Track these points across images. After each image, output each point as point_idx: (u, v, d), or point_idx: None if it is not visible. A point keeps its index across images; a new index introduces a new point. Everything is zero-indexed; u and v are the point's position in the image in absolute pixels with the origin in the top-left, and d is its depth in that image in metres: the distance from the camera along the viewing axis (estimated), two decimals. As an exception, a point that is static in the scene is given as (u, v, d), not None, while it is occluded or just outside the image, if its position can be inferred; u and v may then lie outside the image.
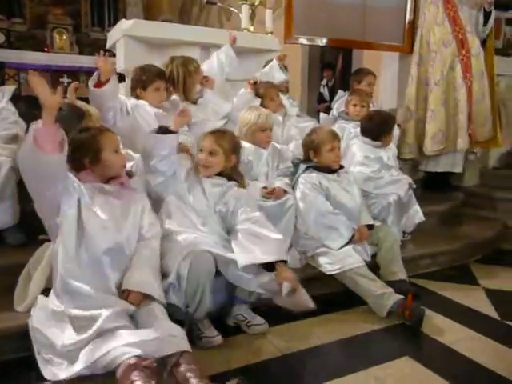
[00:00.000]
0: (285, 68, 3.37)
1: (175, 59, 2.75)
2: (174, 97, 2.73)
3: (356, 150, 2.87)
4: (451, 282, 2.65)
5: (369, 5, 4.04)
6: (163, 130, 2.01)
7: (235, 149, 2.14)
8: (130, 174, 1.97)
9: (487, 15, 3.57)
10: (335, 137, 2.51)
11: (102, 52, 2.28)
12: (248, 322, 2.00)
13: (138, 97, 2.56)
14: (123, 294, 1.69)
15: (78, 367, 1.48)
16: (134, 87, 2.58)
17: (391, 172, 2.87)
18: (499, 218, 3.60)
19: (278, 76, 3.23)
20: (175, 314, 1.77)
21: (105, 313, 1.55)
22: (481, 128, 3.65)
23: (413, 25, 4.09)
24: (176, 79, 2.69)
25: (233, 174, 2.13)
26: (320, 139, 2.47)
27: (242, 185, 2.12)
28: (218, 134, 2.13)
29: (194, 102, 2.76)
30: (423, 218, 2.87)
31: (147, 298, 1.71)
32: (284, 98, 3.40)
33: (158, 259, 1.86)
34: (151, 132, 2.05)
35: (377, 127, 2.86)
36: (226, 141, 2.10)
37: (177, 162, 2.07)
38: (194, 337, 1.86)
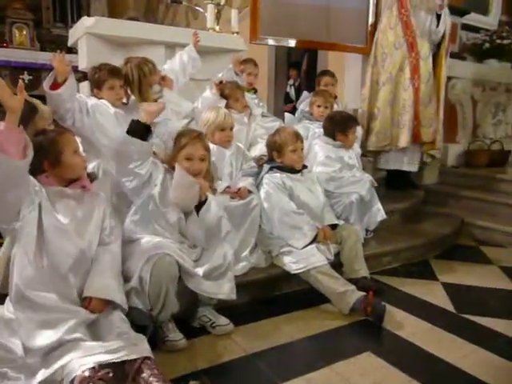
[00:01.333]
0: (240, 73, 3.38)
1: (130, 61, 2.69)
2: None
3: (318, 150, 2.92)
4: (412, 277, 2.73)
5: (333, 7, 4.10)
6: (135, 126, 1.90)
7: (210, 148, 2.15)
8: (91, 177, 1.93)
9: (438, 17, 3.70)
10: (298, 138, 2.54)
11: (58, 51, 2.22)
12: (213, 323, 2.01)
13: (97, 96, 2.51)
14: (84, 301, 1.66)
15: (36, 381, 1.43)
16: (92, 88, 2.54)
17: (353, 172, 2.94)
18: (457, 215, 3.74)
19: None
20: (138, 318, 1.76)
21: (67, 323, 1.52)
22: (426, 129, 3.78)
23: (375, 27, 4.19)
24: (131, 81, 2.63)
25: (208, 175, 2.11)
26: (283, 140, 2.51)
27: (212, 188, 2.12)
28: (201, 135, 2.08)
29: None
30: (385, 216, 2.95)
31: (109, 304, 1.69)
32: (251, 98, 3.43)
33: (120, 263, 1.84)
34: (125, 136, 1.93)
35: (335, 126, 2.94)
36: (206, 141, 2.10)
37: (153, 165, 2.00)
38: (158, 340, 1.85)
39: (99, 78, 2.49)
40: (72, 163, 1.77)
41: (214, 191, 2.12)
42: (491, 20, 5.11)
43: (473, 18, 4.84)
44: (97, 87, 2.52)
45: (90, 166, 2.29)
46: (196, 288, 1.95)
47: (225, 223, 2.07)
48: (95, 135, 2.37)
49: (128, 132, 1.87)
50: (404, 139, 3.74)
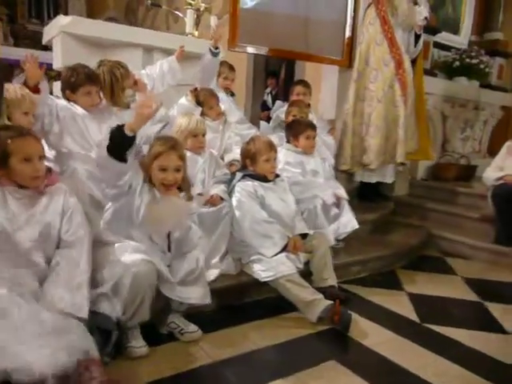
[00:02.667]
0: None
1: (103, 64, 2.65)
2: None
3: (280, 156, 2.96)
4: (379, 287, 2.79)
5: (311, 19, 4.18)
6: (118, 136, 1.76)
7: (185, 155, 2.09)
8: (50, 171, 1.85)
9: (417, 38, 3.81)
10: (272, 147, 2.57)
11: (29, 54, 2.17)
12: (181, 329, 2.00)
13: (68, 98, 2.42)
14: None
15: None
16: (64, 89, 2.43)
17: (317, 178, 3.00)
18: (425, 226, 3.85)
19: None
20: (104, 323, 1.74)
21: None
22: (410, 141, 3.90)
23: (351, 41, 4.29)
24: (103, 85, 2.57)
25: (183, 183, 2.08)
26: (257, 149, 2.53)
27: (189, 196, 2.10)
28: (176, 145, 2.01)
29: (128, 107, 2.70)
30: (357, 226, 2.99)
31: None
32: (230, 100, 3.45)
33: (81, 270, 1.76)
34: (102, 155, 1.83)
35: (288, 132, 3.06)
36: (182, 150, 2.04)
37: (133, 176, 1.92)
38: (121, 346, 1.83)
39: (75, 82, 2.38)
40: (18, 170, 1.68)
41: (190, 198, 2.11)
42: (461, 39, 5.30)
43: (444, 37, 5.00)
44: (71, 90, 2.41)
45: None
46: (171, 294, 1.95)
47: (195, 231, 2.08)
48: (65, 140, 2.31)
49: (109, 140, 1.76)
50: (401, 154, 3.82)
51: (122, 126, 1.77)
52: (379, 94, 3.83)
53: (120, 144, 1.76)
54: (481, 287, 2.88)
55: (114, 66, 2.64)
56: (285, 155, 2.99)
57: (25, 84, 2.14)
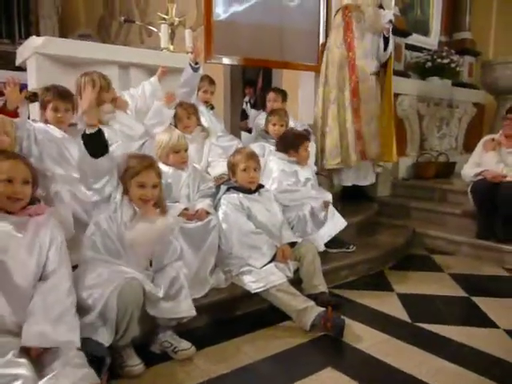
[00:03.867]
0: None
1: (87, 74, 2.66)
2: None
3: (273, 165, 2.99)
4: (368, 289, 2.82)
5: (285, 27, 4.25)
6: (88, 139, 1.92)
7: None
8: (38, 200, 1.82)
9: (386, 41, 3.90)
10: (250, 157, 2.58)
11: (10, 77, 2.15)
12: (175, 347, 1.98)
13: (46, 119, 2.42)
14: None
15: None
16: (40, 109, 2.45)
17: (308, 187, 3.02)
18: (409, 225, 3.91)
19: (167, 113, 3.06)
20: (95, 350, 1.71)
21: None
22: (369, 145, 3.97)
23: (325, 46, 4.35)
24: (81, 94, 2.56)
25: (159, 199, 2.11)
26: (235, 160, 2.57)
27: (163, 210, 2.11)
28: (154, 163, 2.09)
29: (106, 123, 2.67)
30: (345, 223, 3.05)
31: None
32: (210, 114, 3.45)
33: (63, 297, 1.71)
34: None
35: (287, 144, 3.04)
36: (159, 168, 2.11)
37: (114, 187, 2.02)
38: (116, 367, 1.81)
39: (44, 99, 2.42)
40: None
41: (164, 212, 2.12)
42: (432, 40, 5.44)
43: (415, 39, 5.12)
44: (43, 108, 2.44)
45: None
46: (157, 313, 1.94)
47: (175, 247, 2.09)
48: (45, 163, 2.28)
49: (85, 147, 1.88)
50: (353, 158, 3.91)
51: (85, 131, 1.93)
52: (332, 95, 3.95)
53: (94, 144, 1.91)
54: (467, 282, 2.93)
55: (97, 75, 2.64)
56: (278, 164, 3.00)
57: (4, 107, 2.11)
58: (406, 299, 2.65)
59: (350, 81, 3.87)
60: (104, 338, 1.76)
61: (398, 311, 2.49)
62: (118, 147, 2.48)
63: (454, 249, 3.59)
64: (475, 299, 2.65)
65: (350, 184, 4.11)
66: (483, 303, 2.59)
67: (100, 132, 1.95)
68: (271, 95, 3.79)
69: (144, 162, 2.06)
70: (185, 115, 3.00)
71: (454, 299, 2.69)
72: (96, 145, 1.92)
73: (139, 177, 2.01)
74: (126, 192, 2.04)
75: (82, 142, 1.94)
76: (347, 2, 4.13)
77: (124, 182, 2.04)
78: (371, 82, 3.93)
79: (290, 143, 3.04)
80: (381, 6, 3.87)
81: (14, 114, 2.18)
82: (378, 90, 4.02)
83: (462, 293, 2.77)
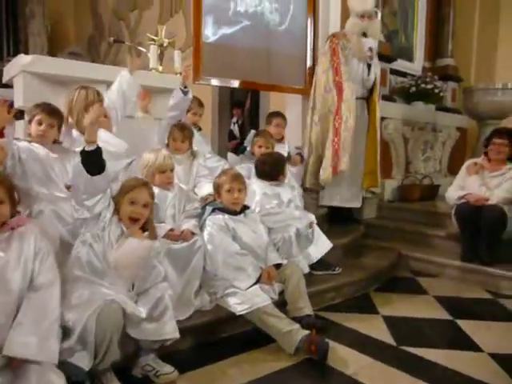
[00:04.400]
0: None
1: (83, 87, 2.70)
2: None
3: (255, 188, 2.99)
4: (354, 312, 2.80)
5: (273, 51, 4.32)
6: (86, 156, 1.91)
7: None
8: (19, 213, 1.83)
9: (369, 67, 4.01)
10: (235, 178, 2.59)
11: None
12: (157, 371, 1.94)
13: (29, 133, 2.39)
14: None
15: None
16: (28, 123, 2.43)
17: (291, 208, 3.04)
18: (394, 247, 3.93)
19: None
20: (75, 374, 1.67)
21: None
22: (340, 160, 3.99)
23: (313, 70, 4.44)
24: (73, 106, 2.62)
25: (148, 222, 2.13)
26: (220, 180, 2.58)
27: (152, 234, 2.12)
28: (149, 184, 2.14)
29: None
30: (331, 245, 3.05)
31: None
32: (196, 135, 3.46)
33: (50, 311, 1.70)
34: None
35: (272, 170, 3.05)
36: (152, 190, 2.14)
37: (105, 206, 2.03)
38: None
39: (31, 113, 2.41)
40: None
41: (154, 238, 2.12)
42: (416, 66, 5.59)
43: (400, 64, 5.26)
44: (29, 121, 2.42)
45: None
46: (139, 335, 1.92)
47: (158, 271, 2.08)
48: (29, 182, 2.25)
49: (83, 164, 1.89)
50: (324, 172, 3.92)
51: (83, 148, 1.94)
52: (316, 117, 4.05)
53: (92, 162, 1.92)
54: (452, 305, 2.94)
55: (92, 90, 2.67)
56: (260, 187, 3.01)
57: None
58: (391, 322, 2.65)
59: (337, 102, 3.94)
60: (83, 361, 1.73)
61: (383, 334, 2.49)
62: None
63: (438, 271, 3.61)
64: (460, 322, 2.66)
65: (335, 205, 4.13)
66: (468, 326, 2.60)
67: (99, 149, 1.95)
68: (280, 120, 3.75)
69: (139, 180, 2.17)
70: (180, 138, 3.01)
71: (439, 322, 2.69)
72: (94, 162, 1.92)
73: (132, 193, 2.05)
74: (116, 212, 2.07)
75: (80, 158, 1.93)
76: (334, 31, 4.30)
77: (116, 200, 2.08)
78: (356, 105, 4.00)
79: (277, 168, 3.05)
80: (365, 34, 3.98)
81: (0, 133, 2.16)
82: (364, 115, 4.09)
83: (446, 316, 2.77)
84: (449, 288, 3.31)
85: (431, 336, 2.49)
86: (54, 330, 1.68)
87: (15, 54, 8.23)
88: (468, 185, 3.60)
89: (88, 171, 1.91)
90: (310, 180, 4.05)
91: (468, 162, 3.77)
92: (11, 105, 2.58)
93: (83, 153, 1.92)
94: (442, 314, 2.80)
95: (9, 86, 3.81)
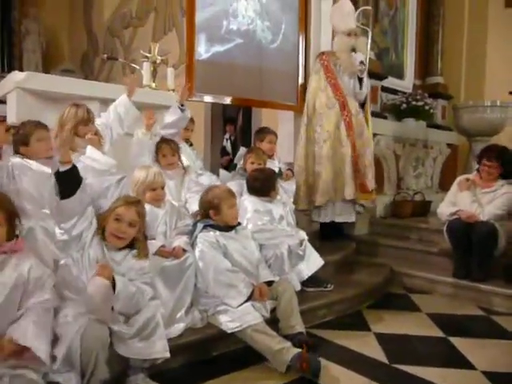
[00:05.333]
0: None
1: (74, 105, 2.73)
2: None
3: (247, 204, 3.00)
4: (346, 329, 2.78)
5: (265, 68, 4.37)
6: (60, 177, 1.90)
7: (145, 215, 2.16)
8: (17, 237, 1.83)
9: (361, 81, 4.07)
10: (233, 194, 2.63)
11: None
12: (146, 391, 1.91)
13: (25, 155, 2.38)
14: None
15: None
16: (17, 147, 2.40)
17: (283, 224, 3.04)
18: (387, 264, 3.92)
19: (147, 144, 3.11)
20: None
21: None
22: (366, 177, 4.06)
23: (304, 87, 4.50)
24: (63, 117, 2.67)
25: (137, 242, 2.11)
26: (219, 198, 2.55)
27: (141, 254, 2.10)
28: (138, 203, 2.12)
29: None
30: (323, 262, 3.03)
31: (26, 355, 1.57)
32: (189, 151, 3.47)
33: (47, 319, 1.73)
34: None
35: (263, 185, 3.05)
36: (143, 209, 2.12)
37: (86, 226, 2.00)
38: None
39: (25, 132, 2.39)
40: None
41: (146, 256, 2.12)
42: (406, 84, 5.69)
43: (391, 82, 5.35)
44: (23, 143, 2.39)
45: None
46: (127, 353, 1.89)
47: (142, 293, 2.03)
48: (21, 198, 2.22)
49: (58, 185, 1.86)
50: (349, 191, 3.97)
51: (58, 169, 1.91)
52: (324, 135, 4.06)
53: (67, 184, 1.90)
54: (444, 322, 2.93)
55: (82, 108, 2.70)
56: (252, 203, 3.01)
57: None
58: (383, 339, 2.63)
59: (344, 117, 3.99)
60: (71, 382, 1.69)
61: (376, 352, 2.46)
62: (91, 184, 2.47)
63: (431, 288, 3.60)
64: (452, 339, 2.64)
65: (327, 221, 4.14)
66: (460, 344, 2.58)
67: (74, 169, 1.92)
68: (272, 137, 3.76)
69: (129, 198, 2.15)
70: (170, 152, 3.04)
71: (432, 339, 2.67)
72: (70, 183, 1.90)
73: (118, 209, 2.05)
74: (101, 230, 2.05)
75: (54, 180, 1.92)
76: (325, 48, 4.40)
77: (103, 216, 2.06)
78: (360, 117, 4.08)
79: (270, 184, 3.06)
80: (353, 50, 4.05)
81: None
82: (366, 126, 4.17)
83: (439, 333, 2.76)
84: (441, 305, 3.30)
85: (424, 354, 2.47)
86: (48, 331, 1.71)
87: (10, 70, 8.30)
88: (459, 201, 3.60)
89: (65, 192, 1.89)
90: (320, 197, 4.02)
91: (459, 178, 3.79)
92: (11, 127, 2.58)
93: (58, 174, 1.90)
94: (435, 332, 2.78)
95: (1, 101, 3.81)
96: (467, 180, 3.66)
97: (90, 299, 1.81)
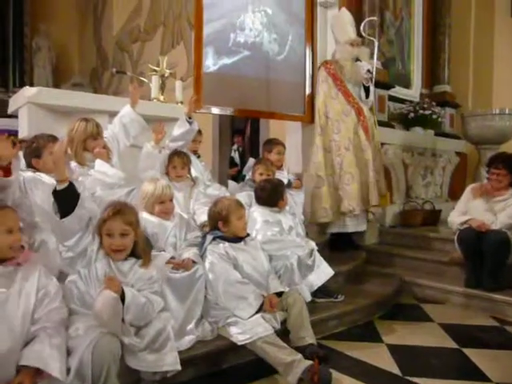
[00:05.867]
0: None
1: (83, 119, 2.78)
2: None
3: (256, 215, 3.00)
4: (357, 340, 2.75)
5: (272, 79, 4.40)
6: (58, 196, 1.89)
7: (139, 221, 2.14)
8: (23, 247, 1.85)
9: (367, 89, 4.07)
10: (241, 205, 2.63)
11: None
12: (157, 404, 1.90)
13: (36, 168, 2.41)
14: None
15: None
16: (29, 161, 2.43)
17: (292, 235, 3.03)
18: (397, 274, 3.88)
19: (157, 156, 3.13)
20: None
21: None
22: (381, 183, 4.06)
23: (312, 98, 4.51)
24: (73, 132, 2.71)
25: (138, 249, 2.10)
26: (228, 209, 2.55)
27: (146, 261, 2.09)
28: (122, 210, 2.06)
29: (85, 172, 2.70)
30: (333, 272, 3.00)
31: (43, 374, 1.59)
32: (196, 163, 3.49)
33: (59, 335, 1.75)
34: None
35: (271, 196, 3.05)
36: (131, 215, 2.08)
37: (89, 241, 2.00)
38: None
39: (38, 146, 2.42)
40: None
41: (148, 262, 2.11)
42: (413, 92, 5.69)
43: (398, 91, 5.35)
44: (36, 156, 2.43)
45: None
46: (138, 365, 1.89)
47: (151, 304, 2.02)
48: (34, 213, 2.24)
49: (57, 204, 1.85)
50: (374, 198, 3.95)
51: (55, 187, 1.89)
52: (345, 142, 4.02)
53: (62, 201, 1.87)
54: (458, 333, 2.88)
55: (91, 123, 2.74)
56: (261, 214, 3.01)
57: None
58: (395, 351, 2.59)
59: (360, 122, 4.00)
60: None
61: (388, 364, 2.43)
62: (101, 196, 2.49)
63: (443, 298, 3.56)
64: (466, 351, 2.60)
65: (350, 231, 4.12)
66: (474, 355, 2.54)
67: (71, 186, 1.91)
68: (281, 148, 3.76)
69: (110, 209, 2.05)
70: (180, 165, 3.07)
71: (445, 351, 2.63)
72: (68, 201, 1.88)
73: (106, 225, 2.02)
74: (102, 244, 2.04)
75: (52, 199, 1.91)
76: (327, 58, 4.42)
77: (99, 233, 2.05)
78: (372, 120, 4.10)
79: (278, 193, 3.05)
80: (358, 59, 4.07)
81: (7, 169, 2.16)
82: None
83: (452, 344, 2.71)
84: (454, 315, 3.26)
85: (438, 365, 2.43)
86: (62, 348, 1.72)
87: (21, 85, 8.45)
88: (472, 208, 3.56)
89: (64, 211, 1.87)
90: (328, 215, 3.96)
91: (472, 185, 3.75)
92: (13, 133, 2.61)
93: (55, 193, 1.88)
94: (448, 343, 2.74)
95: (13, 116, 3.88)
96: (481, 186, 3.62)
97: (99, 313, 1.80)
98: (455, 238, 3.54)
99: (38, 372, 1.61)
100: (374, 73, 4.14)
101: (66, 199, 1.88)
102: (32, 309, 1.73)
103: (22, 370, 1.59)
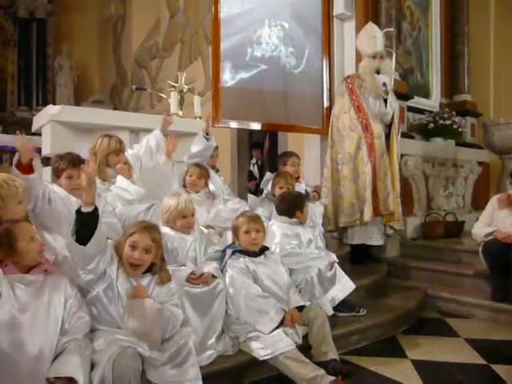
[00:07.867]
0: None
1: (107, 135, 2.87)
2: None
3: (275, 229, 2.98)
4: (381, 356, 2.69)
5: (290, 92, 4.43)
6: (81, 218, 1.87)
7: (162, 242, 2.17)
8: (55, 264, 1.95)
9: (385, 101, 4.06)
10: (252, 219, 2.58)
11: (17, 132, 2.24)
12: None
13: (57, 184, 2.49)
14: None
15: None
16: (52, 176, 2.55)
17: (311, 248, 3.01)
18: (420, 287, 3.80)
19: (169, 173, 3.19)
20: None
21: None
22: (383, 202, 3.99)
23: (330, 110, 4.51)
24: (96, 149, 2.79)
25: (155, 269, 2.11)
26: (237, 222, 2.58)
27: (163, 278, 2.11)
28: (152, 228, 2.11)
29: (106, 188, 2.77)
30: (354, 286, 2.97)
31: None
32: (215, 178, 3.51)
33: (87, 348, 1.79)
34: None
35: (289, 206, 3.04)
36: (157, 234, 2.12)
37: (106, 261, 2.00)
38: None
39: (58, 167, 2.49)
40: (28, 250, 1.81)
41: (168, 279, 2.14)
42: (433, 103, 5.63)
43: (417, 102, 5.29)
44: (56, 175, 2.52)
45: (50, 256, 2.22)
46: (159, 380, 1.89)
47: (175, 316, 2.04)
48: (52, 223, 2.31)
49: (77, 227, 1.86)
50: (368, 214, 3.92)
51: (80, 207, 1.88)
52: (346, 157, 4.07)
53: (84, 223, 1.86)
54: (485, 348, 2.79)
55: (114, 139, 2.82)
56: (280, 227, 2.99)
57: (19, 163, 2.17)
58: (420, 366, 2.52)
59: (366, 138, 3.99)
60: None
61: (413, 380, 2.37)
62: (121, 212, 2.53)
63: (468, 312, 3.46)
64: (495, 367, 2.51)
65: (357, 243, 4.08)
66: (504, 371, 2.45)
67: (95, 211, 1.89)
68: (295, 159, 3.78)
69: (142, 223, 2.14)
70: (196, 173, 3.13)
71: (472, 367, 2.55)
72: (89, 224, 1.86)
73: (133, 236, 2.04)
74: (121, 262, 2.05)
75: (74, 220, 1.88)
76: (349, 71, 4.47)
77: (119, 245, 2.07)
78: (382, 139, 4.05)
79: (297, 204, 3.04)
80: (378, 72, 4.06)
81: (29, 168, 2.22)
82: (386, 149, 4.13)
83: (480, 360, 2.63)
84: (480, 329, 3.16)
85: (465, 382, 2.36)
86: (87, 362, 1.75)
87: (44, 103, 8.70)
88: (498, 219, 3.46)
89: (81, 235, 1.85)
90: (345, 218, 4.03)
91: (497, 196, 3.66)
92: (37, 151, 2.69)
93: (79, 214, 1.86)
94: (475, 358, 2.65)
95: (37, 133, 3.98)
96: (508, 197, 3.52)
97: (142, 320, 1.85)
98: (480, 249, 3.46)
99: (70, 382, 1.64)
100: (392, 84, 4.11)
101: (88, 223, 1.86)
102: (61, 319, 1.78)
103: (55, 381, 1.63)
